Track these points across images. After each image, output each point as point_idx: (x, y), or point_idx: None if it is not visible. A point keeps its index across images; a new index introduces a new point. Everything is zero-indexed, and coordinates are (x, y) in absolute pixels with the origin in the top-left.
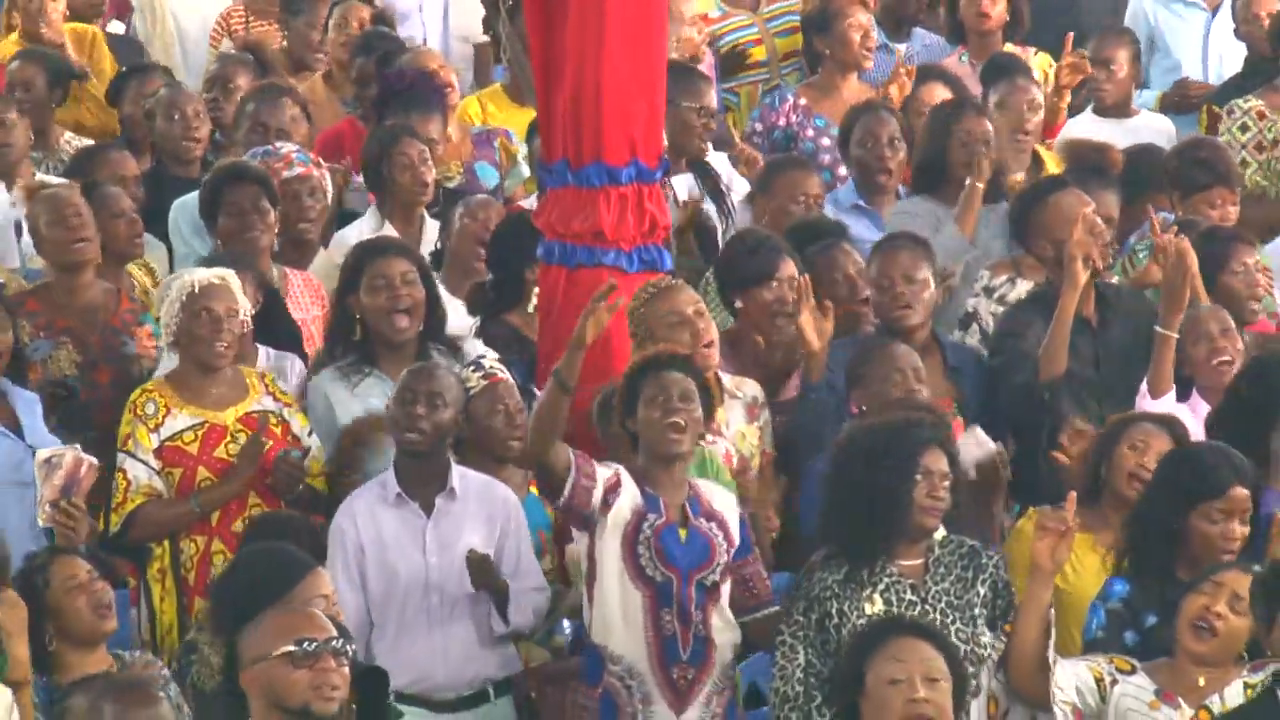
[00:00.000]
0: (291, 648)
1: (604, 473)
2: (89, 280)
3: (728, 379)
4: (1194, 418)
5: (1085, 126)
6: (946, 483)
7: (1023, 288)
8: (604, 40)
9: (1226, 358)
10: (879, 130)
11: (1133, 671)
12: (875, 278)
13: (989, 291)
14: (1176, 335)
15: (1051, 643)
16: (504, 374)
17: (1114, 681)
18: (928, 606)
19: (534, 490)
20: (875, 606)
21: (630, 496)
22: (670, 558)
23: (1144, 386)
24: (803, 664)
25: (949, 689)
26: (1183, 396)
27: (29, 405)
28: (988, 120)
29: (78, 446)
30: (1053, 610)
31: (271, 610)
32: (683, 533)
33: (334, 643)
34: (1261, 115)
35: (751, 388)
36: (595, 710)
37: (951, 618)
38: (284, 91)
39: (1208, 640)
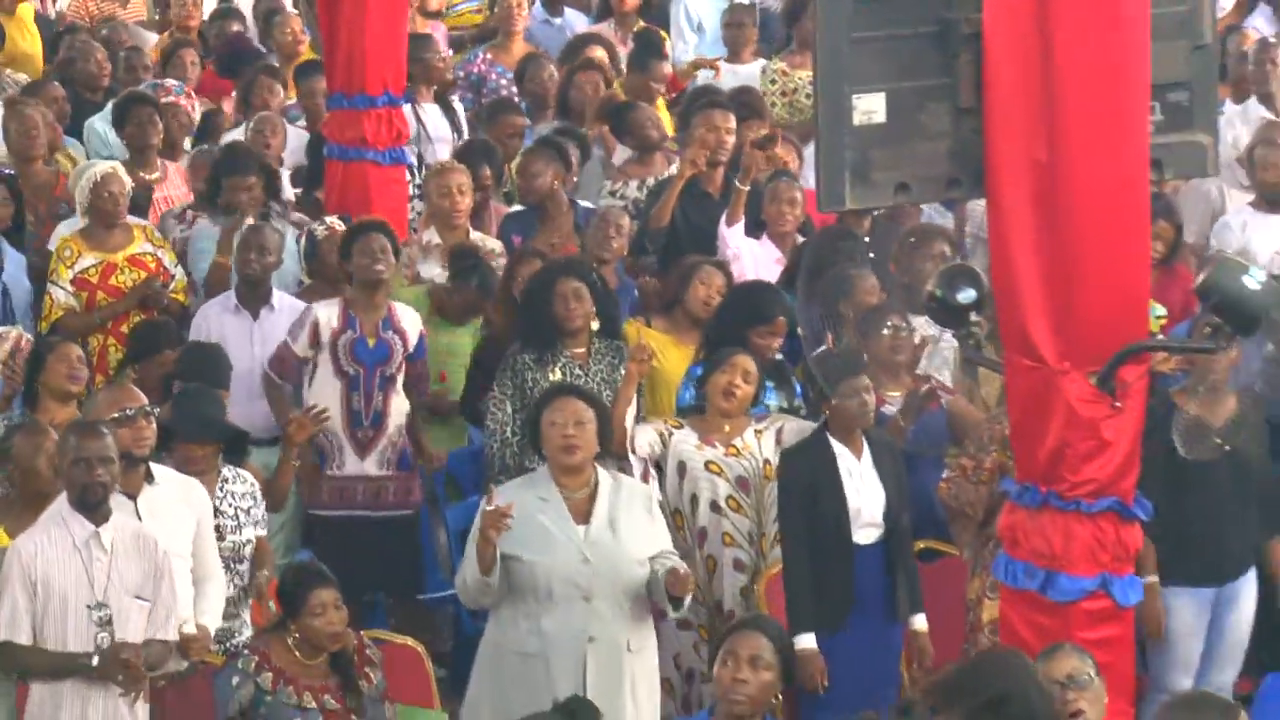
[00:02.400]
0: (116, 414)
1: (303, 334)
2: (40, 168)
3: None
4: (762, 250)
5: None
6: (575, 302)
7: (633, 185)
8: (365, 14)
9: (789, 218)
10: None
11: (681, 426)
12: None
13: (613, 194)
14: (746, 189)
15: (632, 412)
16: (341, 226)
17: (670, 433)
18: (589, 379)
19: None
20: (555, 376)
21: (328, 320)
22: (358, 358)
23: (724, 216)
24: (509, 413)
25: (594, 429)
26: (753, 234)
27: (11, 255)
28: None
29: (20, 327)
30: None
31: (103, 389)
32: (371, 341)
33: (145, 408)
34: (784, 72)
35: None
36: (313, 455)
37: (603, 389)
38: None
39: (731, 402)
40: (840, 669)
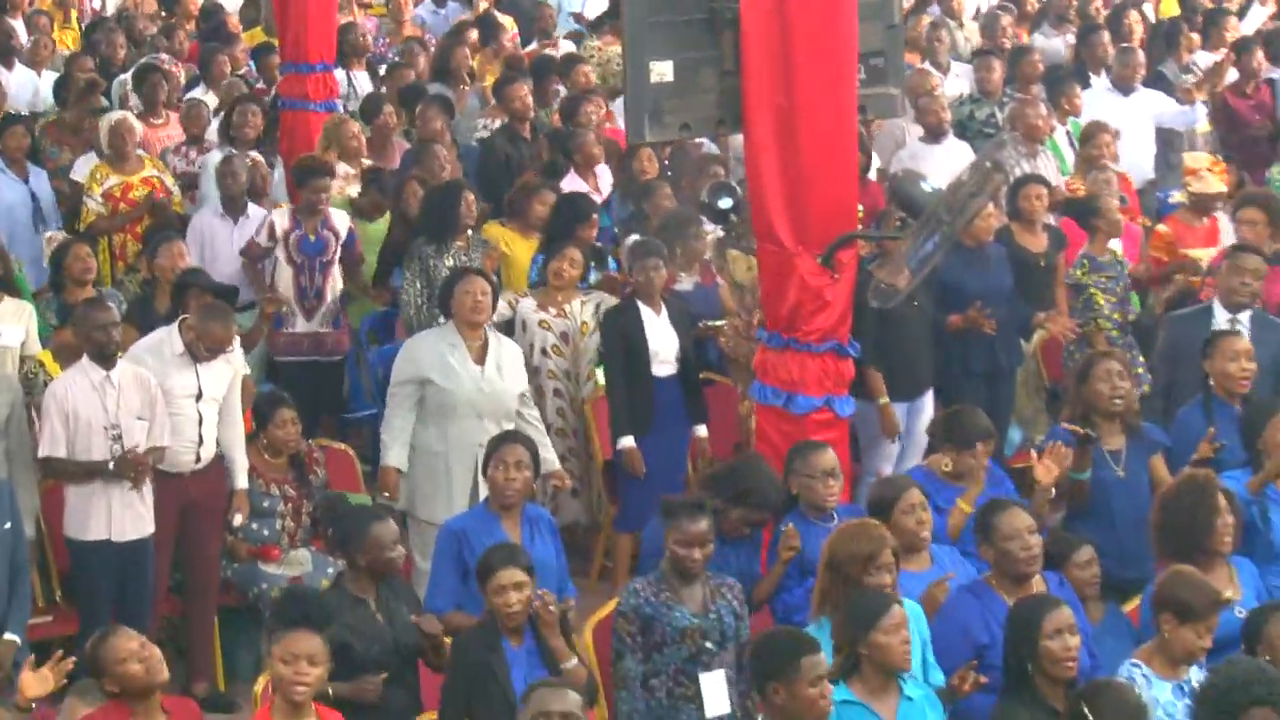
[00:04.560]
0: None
1: (264, 231)
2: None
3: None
4: None
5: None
6: (474, 206)
7: (497, 123)
8: (307, 8)
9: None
10: None
11: (526, 296)
12: None
13: (483, 125)
14: None
15: None
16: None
17: (518, 301)
18: (470, 261)
19: None
20: (450, 261)
21: (281, 222)
22: (304, 250)
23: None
24: (419, 289)
25: (490, 298)
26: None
27: (39, 175)
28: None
29: (63, 231)
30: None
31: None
32: (312, 237)
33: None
34: (600, 49)
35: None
36: (274, 319)
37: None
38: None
39: (561, 279)
40: (648, 461)
